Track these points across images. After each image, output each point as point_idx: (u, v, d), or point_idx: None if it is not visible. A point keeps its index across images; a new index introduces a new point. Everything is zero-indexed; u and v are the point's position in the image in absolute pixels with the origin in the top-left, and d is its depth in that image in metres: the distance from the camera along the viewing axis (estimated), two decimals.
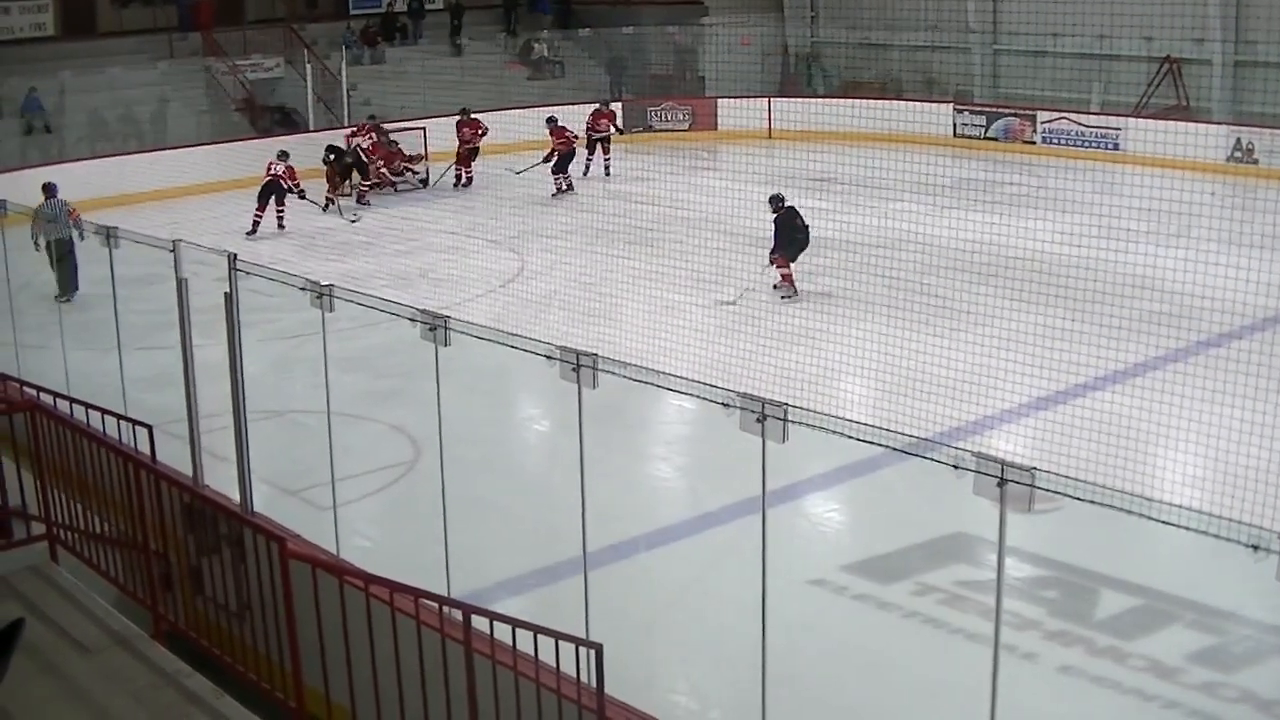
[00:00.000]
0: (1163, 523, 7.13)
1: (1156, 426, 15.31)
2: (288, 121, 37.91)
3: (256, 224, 28.64)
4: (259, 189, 28.71)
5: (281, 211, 29.18)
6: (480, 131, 33.46)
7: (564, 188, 32.06)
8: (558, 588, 11.40)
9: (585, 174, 33.83)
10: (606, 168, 34.41)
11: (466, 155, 33.51)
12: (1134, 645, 11.59)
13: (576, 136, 32.47)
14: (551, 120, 32.26)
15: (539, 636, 8.07)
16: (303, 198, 29.02)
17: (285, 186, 28.82)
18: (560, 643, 7.98)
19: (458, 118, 33.68)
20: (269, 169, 28.82)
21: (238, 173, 31.96)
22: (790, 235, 22.01)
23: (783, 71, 45.16)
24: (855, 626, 12.14)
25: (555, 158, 31.93)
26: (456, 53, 44.28)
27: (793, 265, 22.04)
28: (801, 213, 22.26)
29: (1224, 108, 36.56)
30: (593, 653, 7.91)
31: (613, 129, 34.85)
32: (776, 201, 22.29)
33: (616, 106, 37.84)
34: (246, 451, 11.57)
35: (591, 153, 34.23)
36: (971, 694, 8.09)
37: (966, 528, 13.04)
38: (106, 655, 9.03)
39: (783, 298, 21.79)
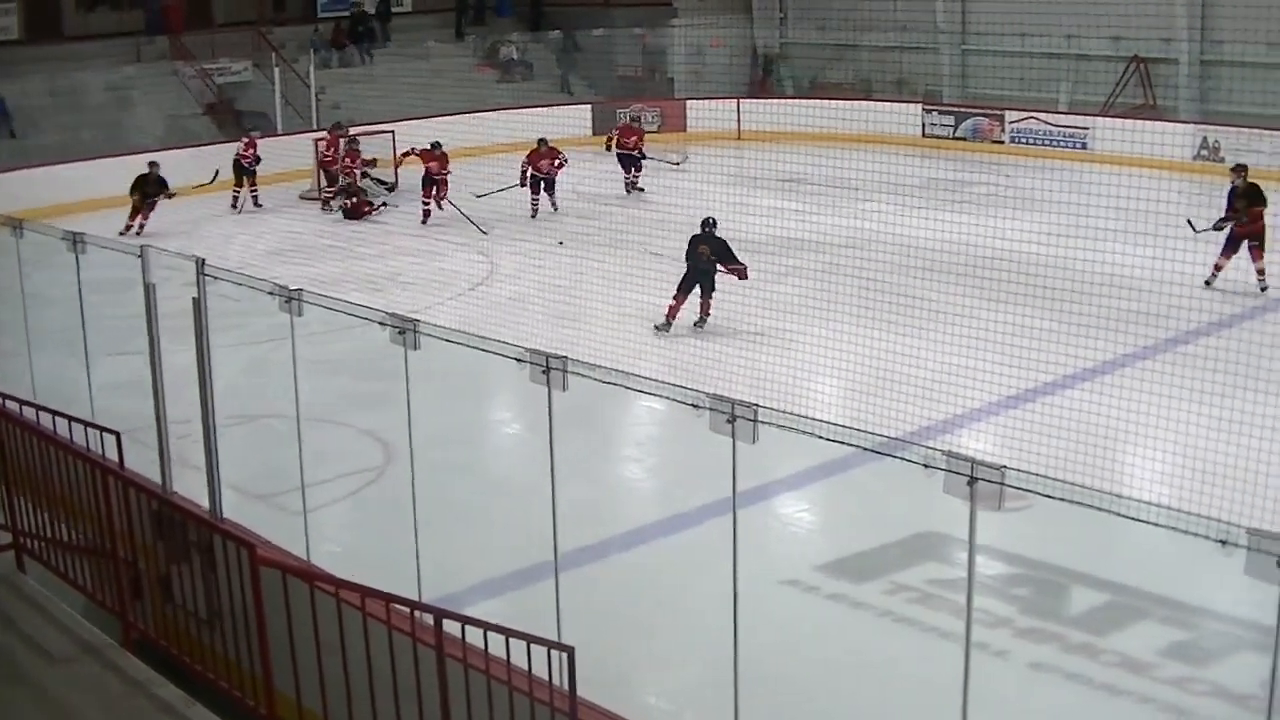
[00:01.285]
0: (1133, 519, 7.15)
1: (1126, 424, 15.35)
2: (254, 126, 37.82)
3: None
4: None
5: (238, 192, 31.40)
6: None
7: (548, 208, 30.38)
8: (530, 591, 11.37)
9: (628, 192, 32.27)
10: (629, 185, 32.47)
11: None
12: (1106, 641, 11.63)
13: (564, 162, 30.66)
14: (542, 142, 30.24)
15: (511, 640, 8.05)
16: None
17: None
18: (532, 646, 7.95)
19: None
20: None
21: (206, 176, 31.90)
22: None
23: (751, 72, 45.21)
24: (828, 626, 12.15)
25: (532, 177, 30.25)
26: (459, 38, 44.69)
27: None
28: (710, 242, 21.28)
29: (1191, 107, 36.72)
30: (565, 656, 7.90)
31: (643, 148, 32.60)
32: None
33: (584, 109, 37.86)
34: (216, 457, 11.54)
35: (627, 171, 32.39)
36: (944, 692, 8.09)
37: (937, 526, 13.07)
38: (76, 665, 9.00)
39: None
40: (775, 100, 40.65)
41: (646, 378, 9.74)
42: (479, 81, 42.22)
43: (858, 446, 8.39)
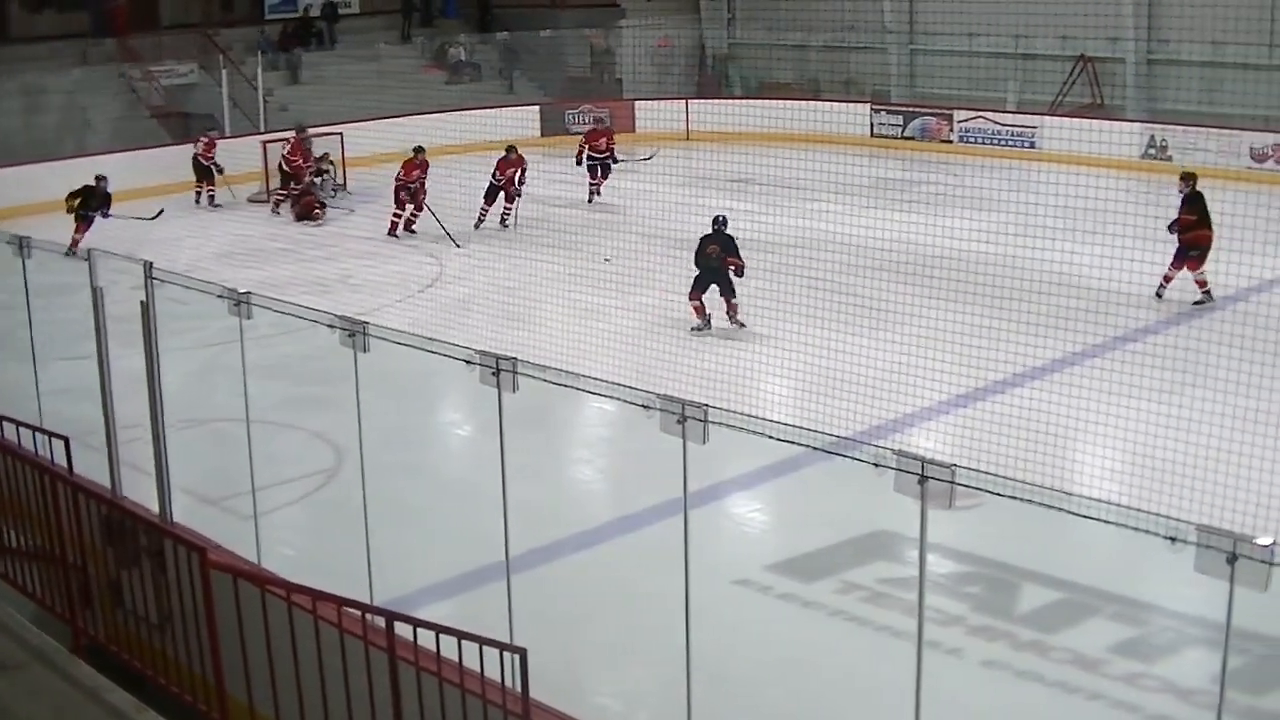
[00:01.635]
0: (1082, 517, 7.18)
1: (1075, 421, 15.44)
2: (200, 128, 37.65)
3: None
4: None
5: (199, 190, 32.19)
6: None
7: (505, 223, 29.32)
8: (481, 592, 11.35)
9: (590, 200, 31.45)
10: (594, 192, 31.62)
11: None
12: (1057, 638, 11.69)
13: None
14: (511, 149, 29.32)
15: (463, 642, 8.04)
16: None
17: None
18: (484, 648, 7.95)
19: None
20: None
21: (154, 180, 31.72)
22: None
23: (700, 73, 45.26)
24: (780, 625, 12.17)
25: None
26: (406, 40, 44.62)
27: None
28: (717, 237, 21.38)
29: (1138, 105, 36.97)
30: (517, 657, 7.89)
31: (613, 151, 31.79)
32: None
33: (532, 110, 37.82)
34: (166, 462, 11.48)
35: (595, 177, 31.57)
36: (897, 690, 8.11)
37: (888, 525, 13.11)
38: (25, 672, 8.92)
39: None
40: (724, 100, 40.74)
41: (596, 379, 9.74)
42: (427, 83, 42.13)
43: (808, 446, 8.40)
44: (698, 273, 20.95)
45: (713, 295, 20.74)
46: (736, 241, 20.93)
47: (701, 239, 21.18)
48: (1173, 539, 6.88)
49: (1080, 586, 12.49)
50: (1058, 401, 15.79)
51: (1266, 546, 6.89)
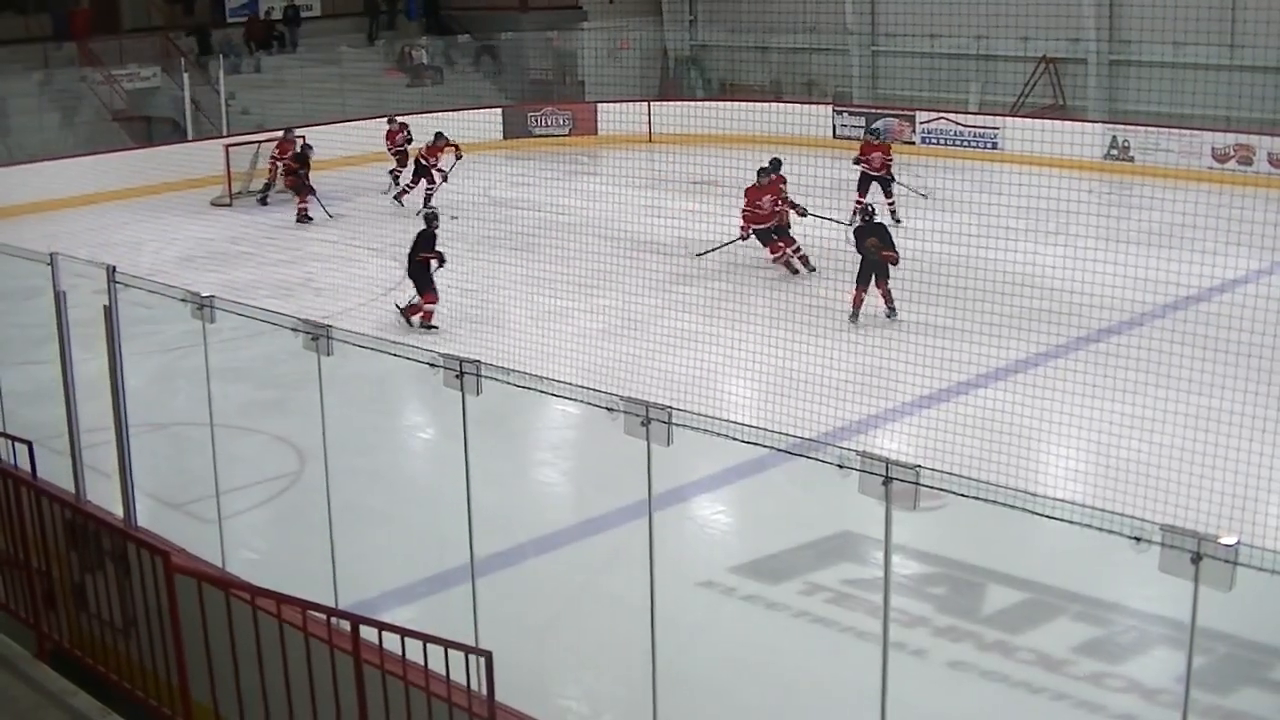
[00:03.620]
0: (1046, 517, 7.21)
1: (1039, 422, 15.48)
2: (162, 131, 37.51)
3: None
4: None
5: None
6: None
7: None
8: (446, 596, 11.36)
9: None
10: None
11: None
12: (1021, 639, 11.72)
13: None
14: (440, 136, 31.05)
15: (428, 645, 8.03)
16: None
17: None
18: (450, 651, 7.94)
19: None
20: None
21: (116, 184, 31.61)
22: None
23: (662, 75, 45.26)
24: (745, 627, 12.18)
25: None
26: (371, 42, 44.53)
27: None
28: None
29: (1100, 106, 37.10)
30: (483, 660, 7.89)
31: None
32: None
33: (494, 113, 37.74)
34: (129, 466, 11.44)
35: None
36: (862, 692, 8.14)
37: (853, 526, 13.12)
38: None
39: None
40: (686, 102, 40.72)
41: (560, 381, 9.75)
42: (389, 86, 42.05)
43: (772, 448, 8.43)
44: (860, 264, 21.01)
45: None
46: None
47: (858, 231, 21.27)
48: (1137, 539, 6.91)
49: (1045, 587, 12.53)
50: (1021, 402, 15.84)
51: (1230, 546, 6.93)
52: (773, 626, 12.17)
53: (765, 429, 8.60)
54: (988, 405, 16.19)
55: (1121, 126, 34.78)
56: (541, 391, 9.72)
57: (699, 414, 8.51)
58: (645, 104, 40.64)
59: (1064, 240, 20.12)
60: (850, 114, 38.99)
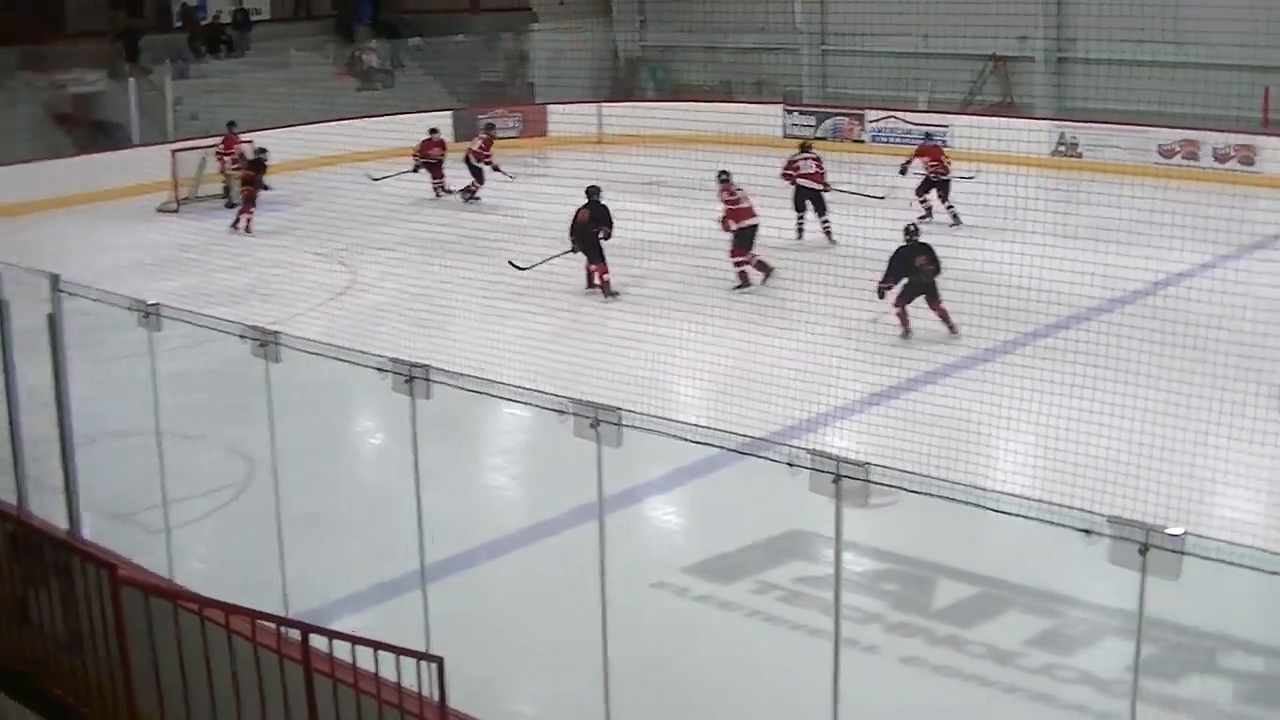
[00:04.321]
0: (996, 511, 7.23)
1: (989, 418, 15.52)
2: (109, 136, 37.29)
3: None
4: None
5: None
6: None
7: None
8: (398, 602, 11.29)
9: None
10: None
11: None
12: (973, 633, 11.76)
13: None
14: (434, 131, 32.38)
15: (379, 652, 7.99)
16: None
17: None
18: (401, 658, 7.90)
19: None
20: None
21: (60, 190, 31.39)
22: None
23: (612, 76, 45.25)
24: (697, 627, 12.18)
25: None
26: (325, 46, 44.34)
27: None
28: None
29: (1048, 103, 37.28)
30: (434, 666, 7.86)
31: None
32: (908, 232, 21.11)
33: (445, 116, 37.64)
34: (74, 477, 11.37)
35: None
36: (815, 689, 8.14)
37: (804, 524, 13.12)
38: None
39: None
40: (636, 103, 40.66)
41: (510, 384, 9.73)
42: (339, 90, 41.90)
43: (722, 448, 8.43)
44: (905, 284, 20.31)
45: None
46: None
47: (903, 252, 20.53)
48: (1086, 531, 6.94)
49: (996, 581, 12.57)
50: (972, 398, 15.88)
51: (1178, 536, 6.97)
52: (726, 625, 12.18)
53: (716, 429, 8.61)
54: (938, 402, 16.24)
55: (1069, 123, 34.95)
56: (491, 395, 9.70)
57: (649, 415, 8.51)
58: (595, 105, 40.60)
59: (1012, 236, 20.13)
60: (800, 113, 39.06)
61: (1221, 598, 10.56)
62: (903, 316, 20.21)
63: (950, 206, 28.03)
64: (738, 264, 23.32)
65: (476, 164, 31.92)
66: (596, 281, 23.32)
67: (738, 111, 36.14)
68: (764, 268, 23.41)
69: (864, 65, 38.86)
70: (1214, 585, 7.39)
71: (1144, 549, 6.99)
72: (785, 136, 37.52)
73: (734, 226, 23.36)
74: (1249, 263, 21.99)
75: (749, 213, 23.41)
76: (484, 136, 32.59)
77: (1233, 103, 33.00)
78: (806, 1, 41.41)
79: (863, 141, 37.02)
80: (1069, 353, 17.04)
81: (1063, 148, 34.59)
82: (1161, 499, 11.82)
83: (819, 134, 37.47)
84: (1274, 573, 7.49)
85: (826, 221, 26.66)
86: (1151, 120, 33.76)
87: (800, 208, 26.84)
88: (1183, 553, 7.07)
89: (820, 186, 26.88)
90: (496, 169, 31.73)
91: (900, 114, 37.30)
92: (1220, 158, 33.52)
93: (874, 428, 15.75)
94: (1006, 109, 37.11)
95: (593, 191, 23.69)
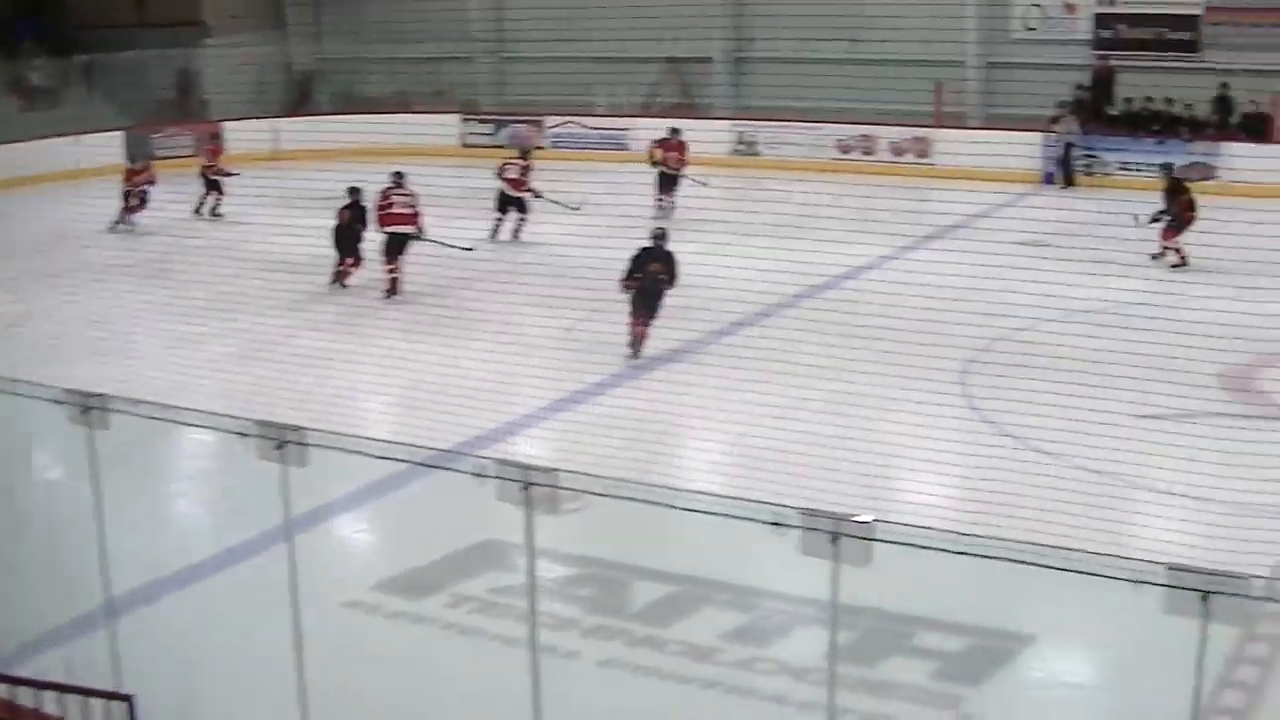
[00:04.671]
0: (687, 510, 7.27)
1: (675, 416, 15.66)
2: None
3: None
4: None
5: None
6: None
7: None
8: (85, 641, 10.91)
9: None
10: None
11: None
12: (670, 631, 11.81)
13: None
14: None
15: (66, 696, 7.72)
16: None
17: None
18: (90, 699, 7.64)
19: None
20: None
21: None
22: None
23: (287, 90, 44.58)
24: (394, 644, 12.00)
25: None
26: None
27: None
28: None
29: (727, 103, 37.89)
30: (125, 705, 7.63)
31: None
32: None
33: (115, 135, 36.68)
34: None
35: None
36: (517, 698, 8.10)
37: (497, 534, 12.98)
38: None
39: None
40: (313, 117, 40.17)
41: (191, 409, 9.49)
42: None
43: (409, 461, 8.34)
44: (635, 291, 19.21)
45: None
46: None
47: (643, 252, 19.57)
48: (776, 524, 7.02)
49: (691, 579, 12.64)
50: (657, 398, 15.99)
51: (867, 523, 7.09)
52: (423, 640, 12.04)
53: (402, 443, 8.51)
54: (627, 404, 16.32)
55: (748, 122, 35.58)
56: (173, 421, 9.45)
57: (334, 433, 8.37)
58: (271, 120, 39.93)
59: (693, 235, 20.41)
60: (479, 122, 39.03)
61: (913, 580, 10.81)
62: (641, 332, 19.30)
63: (663, 199, 28.67)
64: (388, 271, 23.12)
65: (212, 177, 31.31)
66: (345, 282, 23.49)
67: (416, 122, 35.89)
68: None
69: (543, 71, 38.94)
70: (905, 568, 7.53)
71: (834, 538, 7.09)
72: (464, 146, 37.53)
73: (385, 230, 23.32)
74: (927, 253, 22.58)
75: (400, 219, 23.30)
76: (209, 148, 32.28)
77: (908, 98, 34.07)
78: (483, 9, 41.36)
79: (542, 147, 37.08)
80: (751, 349, 17.30)
81: (741, 146, 35.20)
82: (851, 487, 12.02)
83: (497, 142, 37.52)
84: (960, 552, 7.69)
85: (523, 220, 27.27)
86: (830, 117, 34.55)
87: (502, 210, 27.26)
88: (872, 539, 7.20)
89: (521, 193, 27.34)
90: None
91: (579, 119, 37.51)
92: (897, 151, 34.52)
93: (563, 434, 15.78)
94: (686, 110, 37.58)
95: (354, 192, 23.66)
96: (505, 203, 27.35)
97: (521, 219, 27.32)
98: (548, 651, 8.63)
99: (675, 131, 30.09)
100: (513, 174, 27.56)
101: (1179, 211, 24.30)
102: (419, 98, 41.09)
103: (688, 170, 29.36)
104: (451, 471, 8.06)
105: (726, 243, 19.13)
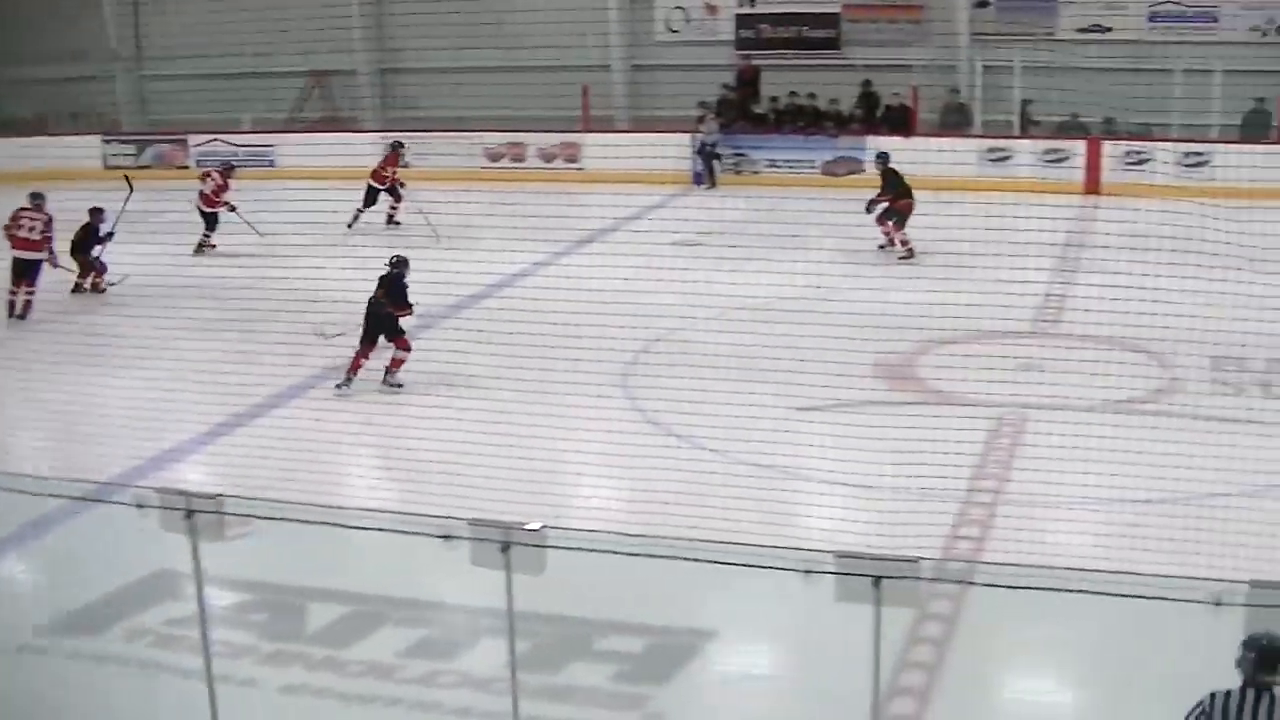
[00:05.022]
0: (357, 528, 7.20)
1: (341, 435, 15.48)
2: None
3: None
4: None
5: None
6: None
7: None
8: None
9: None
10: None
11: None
12: (350, 652, 11.65)
13: None
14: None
15: None
16: None
17: None
18: None
19: None
20: None
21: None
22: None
23: None
24: (70, 685, 11.59)
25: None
26: None
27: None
28: None
29: (375, 115, 37.63)
30: None
31: None
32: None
33: None
34: None
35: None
36: None
37: (168, 564, 12.64)
38: None
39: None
40: None
41: None
42: None
43: (65, 496, 8.09)
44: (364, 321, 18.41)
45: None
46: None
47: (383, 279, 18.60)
48: (446, 537, 7.00)
49: (367, 597, 12.49)
50: (320, 417, 15.79)
51: (536, 531, 7.11)
52: (100, 679, 11.63)
53: (61, 478, 8.26)
54: (286, 424, 16.06)
55: (397, 133, 35.40)
56: None
57: None
58: None
59: (344, 251, 20.22)
60: (120, 142, 38.01)
61: (590, 584, 10.89)
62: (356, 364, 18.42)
63: (361, 212, 28.98)
64: (10, 294, 22.56)
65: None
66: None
67: (56, 145, 34.73)
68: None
69: (186, 89, 38.14)
70: (581, 573, 7.57)
71: (505, 547, 7.10)
72: (106, 168, 36.43)
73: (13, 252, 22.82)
74: (582, 258, 22.78)
75: (25, 244, 22.71)
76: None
77: (556, 103, 34.31)
78: (120, 25, 40.28)
79: (188, 167, 36.29)
80: (417, 359, 17.20)
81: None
82: (521, 496, 12.03)
83: (142, 162, 36.61)
84: (633, 553, 7.77)
85: (206, 235, 27.06)
86: (478, 125, 34.58)
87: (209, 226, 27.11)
88: (543, 545, 7.22)
89: (211, 208, 27.21)
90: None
91: (225, 136, 36.82)
92: (546, 157, 34.72)
93: (226, 458, 15.43)
94: (334, 123, 37.22)
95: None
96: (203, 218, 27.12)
97: (205, 234, 27.10)
98: (224, 680, 8.46)
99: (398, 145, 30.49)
100: (207, 189, 27.34)
101: (893, 200, 25.06)
102: (58, 119, 39.80)
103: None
104: (113, 504, 7.83)
105: (380, 257, 18.92)
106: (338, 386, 17.85)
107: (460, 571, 7.23)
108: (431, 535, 6.99)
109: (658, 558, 7.54)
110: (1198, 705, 7.58)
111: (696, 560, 7.47)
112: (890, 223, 25.09)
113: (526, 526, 7.23)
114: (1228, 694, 7.50)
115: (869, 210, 24.97)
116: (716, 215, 26.53)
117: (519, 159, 34.75)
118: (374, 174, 29.52)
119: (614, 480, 14.90)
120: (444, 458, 13.74)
